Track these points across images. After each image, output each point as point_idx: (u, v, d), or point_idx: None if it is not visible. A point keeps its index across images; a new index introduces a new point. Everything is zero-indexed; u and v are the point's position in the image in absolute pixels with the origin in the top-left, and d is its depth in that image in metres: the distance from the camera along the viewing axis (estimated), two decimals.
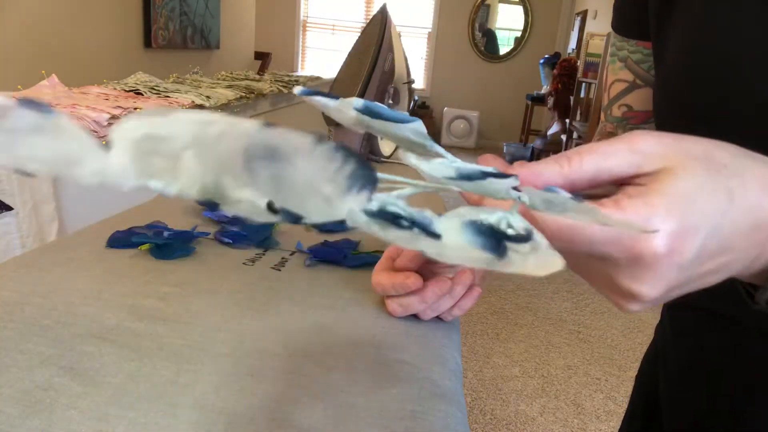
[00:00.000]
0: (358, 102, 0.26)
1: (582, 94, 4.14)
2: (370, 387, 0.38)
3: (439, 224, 0.21)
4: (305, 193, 0.20)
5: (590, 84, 3.87)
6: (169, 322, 0.44)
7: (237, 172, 0.19)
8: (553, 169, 0.26)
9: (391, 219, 0.20)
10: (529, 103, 5.98)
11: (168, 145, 0.19)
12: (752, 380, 0.45)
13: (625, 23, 0.52)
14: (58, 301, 0.45)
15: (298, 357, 0.41)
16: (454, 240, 0.20)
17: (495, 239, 0.21)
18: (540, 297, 2.65)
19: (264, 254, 0.58)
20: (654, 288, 0.25)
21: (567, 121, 4.53)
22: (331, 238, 0.64)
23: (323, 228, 0.57)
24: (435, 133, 6.93)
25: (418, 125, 0.25)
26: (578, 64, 4.35)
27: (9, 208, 1.11)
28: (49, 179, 1.19)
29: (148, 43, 3.52)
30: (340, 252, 0.58)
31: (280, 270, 0.54)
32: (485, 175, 0.23)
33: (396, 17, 1.10)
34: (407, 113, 0.25)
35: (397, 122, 0.25)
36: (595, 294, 2.73)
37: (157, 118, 0.19)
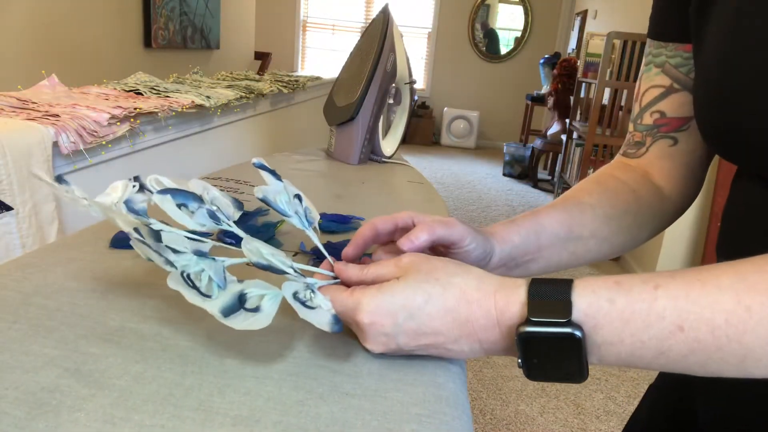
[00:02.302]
0: (258, 191, 0.47)
1: (582, 94, 4.14)
2: (375, 390, 0.38)
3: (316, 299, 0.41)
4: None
5: (590, 84, 3.87)
6: (174, 323, 0.43)
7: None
8: (354, 271, 0.43)
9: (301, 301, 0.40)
10: (529, 103, 5.98)
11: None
12: None
13: (663, 27, 0.52)
14: (62, 302, 0.45)
15: (304, 360, 0.40)
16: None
17: (300, 302, 0.40)
18: None
19: None
20: (372, 344, 0.40)
21: (567, 121, 4.52)
22: (334, 238, 0.64)
23: (325, 228, 0.63)
24: (435, 133, 6.93)
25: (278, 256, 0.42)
26: (578, 64, 4.34)
27: (9, 208, 1.10)
28: (49, 179, 1.19)
29: (148, 43, 3.52)
30: None
31: None
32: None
33: (396, 17, 1.10)
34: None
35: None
36: None
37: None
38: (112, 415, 0.33)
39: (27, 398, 0.33)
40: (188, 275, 0.39)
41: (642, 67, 0.55)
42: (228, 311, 0.38)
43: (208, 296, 0.38)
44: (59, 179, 0.42)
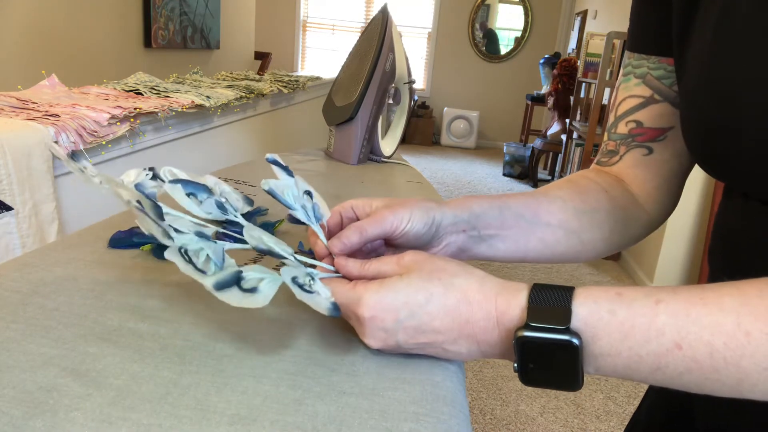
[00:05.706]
0: (265, 184, 0.45)
1: (582, 94, 4.14)
2: (373, 389, 0.38)
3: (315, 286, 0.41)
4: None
5: (590, 84, 3.87)
6: (171, 322, 0.44)
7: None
8: (354, 266, 0.42)
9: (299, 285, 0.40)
10: (529, 103, 5.98)
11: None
12: None
13: (645, 41, 0.51)
14: (61, 302, 0.45)
15: (301, 358, 0.41)
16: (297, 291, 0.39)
17: (299, 286, 0.39)
18: None
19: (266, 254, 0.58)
20: (371, 339, 0.40)
21: (567, 121, 4.53)
22: None
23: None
24: (435, 133, 6.93)
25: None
26: (578, 63, 4.35)
27: (9, 208, 1.10)
28: (49, 179, 1.19)
29: (148, 43, 3.52)
30: None
31: None
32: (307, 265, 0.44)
33: (396, 17, 1.10)
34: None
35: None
36: None
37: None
38: (110, 414, 0.33)
39: (24, 397, 0.34)
40: (186, 251, 0.39)
41: (620, 77, 0.54)
42: (222, 286, 0.37)
43: (204, 272, 0.38)
44: (73, 156, 0.42)
